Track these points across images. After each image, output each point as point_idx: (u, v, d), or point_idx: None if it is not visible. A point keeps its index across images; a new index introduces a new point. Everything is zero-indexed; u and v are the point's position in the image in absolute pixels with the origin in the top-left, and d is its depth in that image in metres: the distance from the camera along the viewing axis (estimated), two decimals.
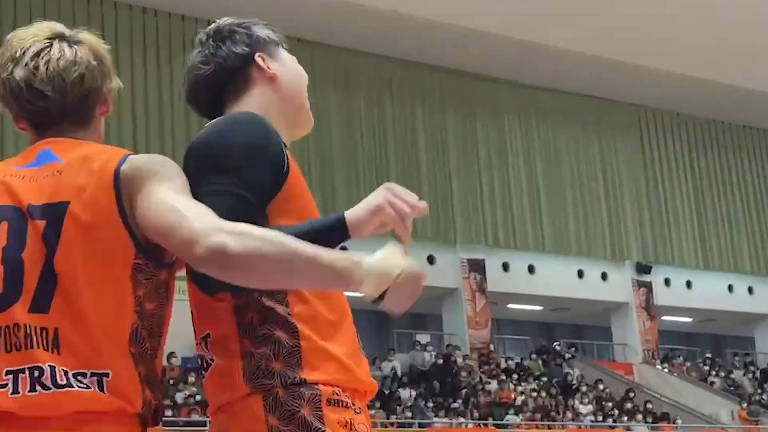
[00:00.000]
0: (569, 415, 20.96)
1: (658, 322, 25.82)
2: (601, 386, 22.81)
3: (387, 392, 19.24)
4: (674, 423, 22.10)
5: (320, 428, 1.94)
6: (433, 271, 21.14)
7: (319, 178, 21.07)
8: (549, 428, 20.31)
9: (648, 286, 25.76)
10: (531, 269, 24.08)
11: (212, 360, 2.04)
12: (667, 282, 26.32)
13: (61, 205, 1.98)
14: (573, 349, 25.72)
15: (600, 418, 21.06)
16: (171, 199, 1.93)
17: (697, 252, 26.33)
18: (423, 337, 23.25)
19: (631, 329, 25.50)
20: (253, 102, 2.19)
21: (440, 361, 21.38)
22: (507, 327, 25.36)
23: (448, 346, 22.28)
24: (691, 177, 26.95)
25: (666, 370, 25.36)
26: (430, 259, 22.43)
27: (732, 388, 25.22)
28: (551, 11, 20.82)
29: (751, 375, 26.30)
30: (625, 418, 21.42)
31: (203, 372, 2.09)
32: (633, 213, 25.65)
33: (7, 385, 1.90)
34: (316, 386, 1.97)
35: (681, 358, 26.89)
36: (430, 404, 19.65)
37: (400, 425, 18.05)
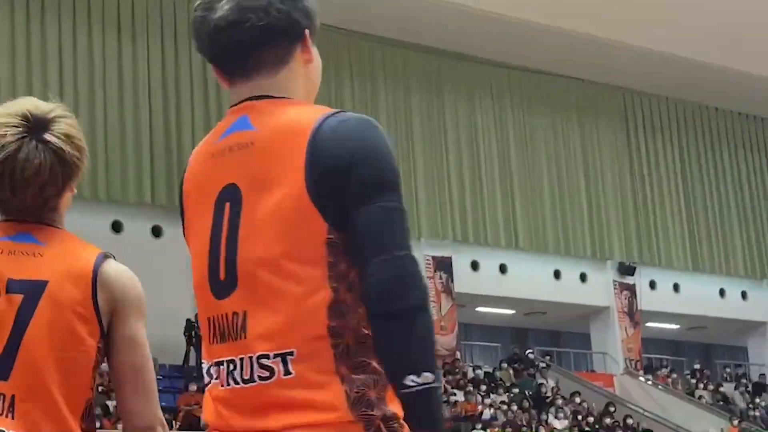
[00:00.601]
0: (543, 430, 20.62)
1: (641, 329, 25.61)
2: (578, 399, 22.36)
3: None
4: None
5: None
6: None
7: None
8: None
9: (631, 289, 25.59)
10: (503, 269, 23.77)
11: (288, 373, 2.01)
12: (652, 285, 26.15)
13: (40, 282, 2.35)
14: (548, 357, 25.55)
15: None
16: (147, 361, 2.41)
17: (686, 252, 26.22)
18: None
19: (612, 336, 25.40)
20: (290, 80, 2.15)
21: None
22: (475, 332, 25.33)
23: None
24: (681, 169, 26.70)
25: (650, 382, 25.14)
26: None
27: (722, 402, 24.95)
28: None
29: (743, 388, 26.03)
30: None
31: (242, 381, 2.05)
32: (616, 208, 25.49)
33: None
34: (401, 420, 2.00)
35: (666, 368, 26.69)
36: None
37: None
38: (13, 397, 2.27)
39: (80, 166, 2.46)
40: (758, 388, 26.12)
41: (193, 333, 19.11)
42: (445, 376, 21.90)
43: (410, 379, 1.93)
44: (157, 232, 20.22)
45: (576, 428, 20.92)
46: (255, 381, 2.01)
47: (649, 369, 26.09)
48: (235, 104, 2.16)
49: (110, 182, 19.24)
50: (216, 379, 2.09)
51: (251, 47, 2.12)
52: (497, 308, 25.24)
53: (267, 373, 2.00)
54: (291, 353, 1.98)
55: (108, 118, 19.40)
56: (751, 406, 25.05)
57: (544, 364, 24.38)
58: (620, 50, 23.53)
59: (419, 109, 23.09)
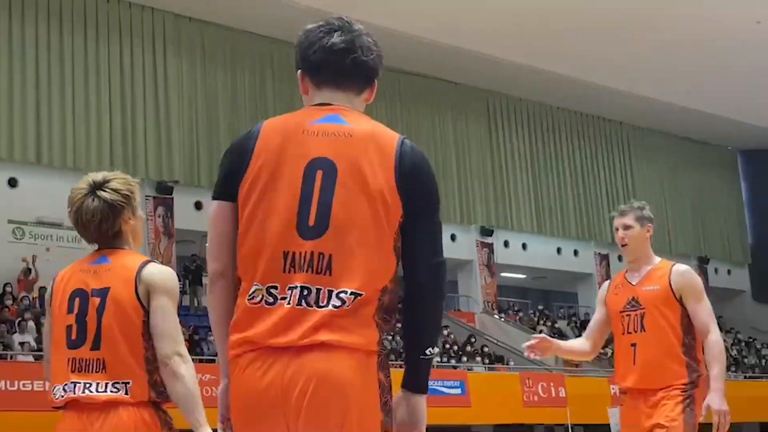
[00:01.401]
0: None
1: (497, 278, 26.98)
2: (446, 332, 23.06)
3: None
4: (507, 364, 22.96)
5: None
6: None
7: (207, 150, 22.03)
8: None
9: (490, 247, 26.99)
10: None
11: (354, 307, 2.40)
12: (506, 244, 27.68)
13: (106, 289, 3.33)
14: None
15: (445, 359, 21.73)
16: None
17: (532, 218, 27.68)
18: None
19: (474, 284, 26.65)
20: (359, 104, 2.62)
21: None
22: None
23: None
24: (530, 154, 28.35)
25: (502, 319, 26.35)
26: None
27: (557, 335, 25.21)
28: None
29: (573, 324, 27.68)
30: (466, 360, 22.17)
31: (322, 306, 2.40)
32: (480, 184, 26.80)
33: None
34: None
35: (515, 309, 28.08)
36: None
37: None
38: (103, 359, 3.32)
39: (125, 206, 3.43)
40: (585, 324, 25.70)
41: None
42: None
43: (429, 350, 2.46)
44: None
45: (445, 355, 21.76)
46: (328, 307, 2.36)
47: (502, 309, 27.12)
48: (321, 104, 2.53)
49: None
50: (286, 301, 2.38)
51: (354, 72, 2.54)
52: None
53: (339, 303, 2.37)
54: (361, 295, 2.39)
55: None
56: (579, 337, 27.88)
57: None
58: (485, 61, 25.06)
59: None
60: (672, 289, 4.88)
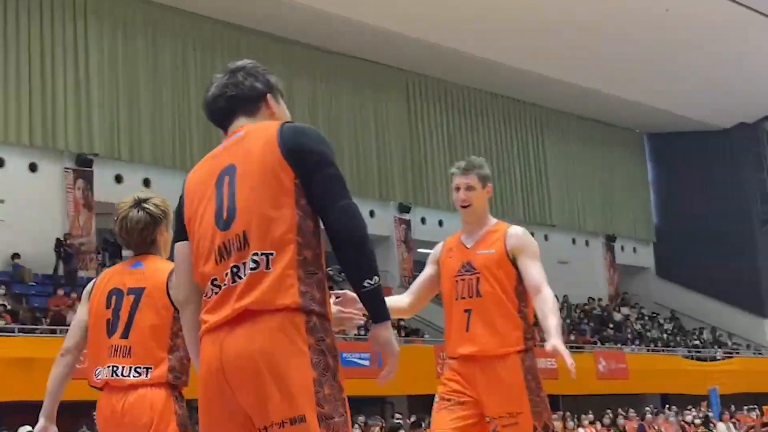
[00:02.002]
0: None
1: (414, 254, 27.10)
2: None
3: None
4: (423, 337, 23.17)
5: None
6: None
7: (127, 123, 21.86)
8: None
9: (407, 223, 27.41)
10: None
11: (268, 267, 2.76)
12: (423, 220, 28.11)
13: (141, 288, 3.94)
14: (342, 274, 26.51)
15: (362, 332, 21.11)
16: None
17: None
18: None
19: (392, 259, 26.89)
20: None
21: None
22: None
23: None
24: (447, 133, 28.64)
25: None
26: None
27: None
28: None
29: None
30: None
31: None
32: (398, 162, 27.11)
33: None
34: (329, 321, 2.89)
35: None
36: None
37: None
38: (129, 347, 3.87)
39: (162, 219, 4.09)
40: None
41: (61, 250, 20.05)
42: None
43: (367, 282, 2.65)
44: (33, 168, 20.87)
45: (362, 329, 20.25)
46: (248, 272, 2.68)
47: None
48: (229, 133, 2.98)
49: None
50: (230, 283, 2.74)
51: (230, 106, 2.98)
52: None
53: (254, 265, 2.67)
54: (272, 254, 2.69)
55: None
56: None
57: (340, 279, 24.23)
58: (405, 42, 25.30)
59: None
60: (507, 251, 4.59)
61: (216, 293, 2.76)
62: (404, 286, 25.92)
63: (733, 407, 24.54)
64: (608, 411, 21.36)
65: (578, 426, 20.12)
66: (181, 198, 2.97)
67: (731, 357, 29.96)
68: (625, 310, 32.30)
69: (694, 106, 32.65)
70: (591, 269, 33.11)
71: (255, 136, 2.85)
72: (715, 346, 31.40)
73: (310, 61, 25.47)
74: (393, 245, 27.26)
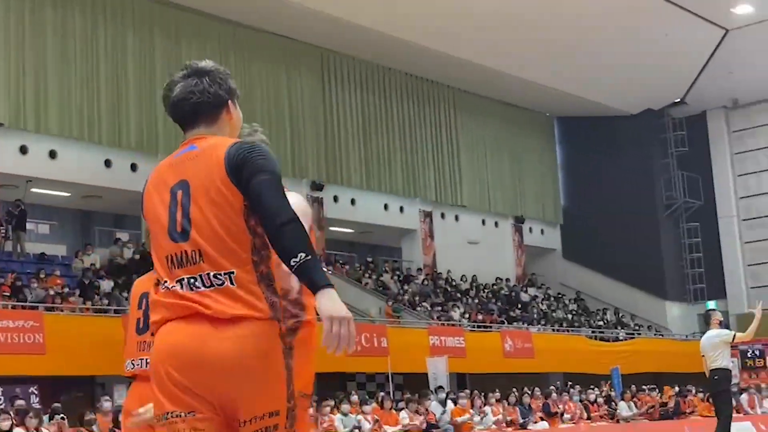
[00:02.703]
0: None
1: (326, 232, 27.22)
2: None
3: (87, 282, 19.83)
4: None
5: None
6: (139, 177, 21.88)
7: (33, 93, 21.33)
8: None
9: (320, 202, 27.13)
10: (133, 167, 23.42)
11: (232, 283, 2.97)
12: (335, 199, 27.93)
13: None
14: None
15: None
16: None
17: (361, 175, 28.05)
18: (123, 235, 23.78)
19: None
20: (219, 130, 3.17)
21: (137, 257, 21.90)
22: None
23: (143, 243, 22.36)
24: (361, 112, 28.59)
25: (330, 272, 25.38)
26: (134, 167, 23.20)
27: (381, 288, 26.82)
28: None
29: (396, 278, 28.15)
30: None
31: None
32: (312, 139, 26.96)
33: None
34: (303, 321, 3.45)
35: (342, 262, 28.09)
36: (125, 294, 19.32)
37: (98, 311, 18.58)
38: (149, 343, 3.55)
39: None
40: (407, 278, 28.51)
41: None
42: None
43: (293, 261, 2.80)
44: None
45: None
46: (208, 288, 2.92)
47: (330, 262, 26.78)
48: (186, 141, 3.13)
49: None
50: (172, 288, 2.96)
51: (195, 112, 3.11)
52: None
53: (219, 283, 2.91)
54: (233, 272, 2.92)
55: None
56: (401, 291, 27.17)
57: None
58: (320, 18, 25.09)
59: (161, 52, 23.39)
60: None
61: (165, 292, 3.03)
62: None
63: (634, 387, 24.98)
64: (514, 389, 21.54)
65: (485, 404, 20.23)
66: (142, 194, 3.21)
67: (633, 338, 30.54)
68: (532, 291, 32.63)
69: (602, 91, 33.10)
70: (500, 250, 33.42)
71: (208, 155, 3.04)
72: (618, 327, 31.97)
73: (223, 34, 25.24)
74: (305, 223, 26.90)
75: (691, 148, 35.77)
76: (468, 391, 20.89)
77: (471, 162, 32.24)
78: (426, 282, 28.89)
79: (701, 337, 13.63)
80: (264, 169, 2.96)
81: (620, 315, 33.77)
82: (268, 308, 2.93)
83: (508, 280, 32.56)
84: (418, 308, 26.37)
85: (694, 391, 25.54)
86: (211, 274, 2.95)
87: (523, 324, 27.79)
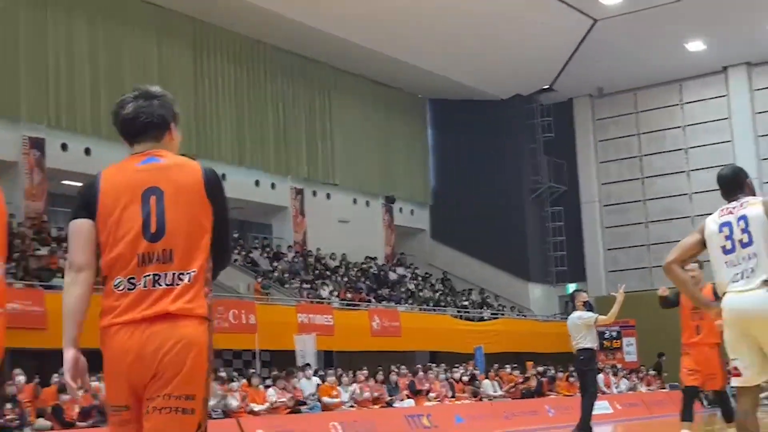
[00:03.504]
0: None
1: None
2: None
3: None
4: None
5: None
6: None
7: None
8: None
9: None
10: (88, 152, 24.17)
11: (190, 281, 3.52)
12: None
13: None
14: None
15: None
16: None
17: (233, 150, 27.79)
18: None
19: None
20: (165, 146, 3.74)
21: None
22: (61, 201, 24.43)
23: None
24: (234, 86, 28.18)
25: None
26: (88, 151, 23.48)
27: (250, 265, 26.57)
28: None
29: (266, 255, 27.96)
30: None
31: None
32: (182, 112, 25.46)
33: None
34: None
35: None
36: None
37: None
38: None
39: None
40: (277, 255, 28.35)
41: None
42: (33, 234, 21.73)
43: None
44: None
45: None
46: (174, 286, 3.44)
47: None
48: (140, 152, 3.62)
49: None
50: (143, 286, 3.42)
51: (145, 130, 3.65)
52: (81, 182, 25.84)
53: (181, 282, 3.44)
54: (195, 272, 3.46)
55: None
56: (271, 268, 26.97)
57: None
58: None
59: (25, 20, 22.81)
60: None
61: (130, 290, 3.46)
62: None
63: (497, 365, 25.47)
64: (381, 367, 21.65)
65: (352, 382, 20.27)
66: (96, 191, 3.54)
67: (497, 318, 31.13)
68: (400, 270, 32.82)
69: (474, 75, 33.50)
70: (370, 229, 33.55)
71: (180, 170, 3.58)
72: (483, 308, 32.50)
73: (91, 2, 24.50)
74: None
75: (557, 134, 36.64)
76: (336, 368, 20.85)
77: (344, 140, 32.18)
78: (296, 259, 28.76)
79: (561, 318, 14.07)
80: (228, 209, 3.68)
81: (485, 295, 34.36)
82: (206, 311, 3.53)
83: (377, 259, 32.64)
84: (287, 286, 26.25)
85: (554, 371, 26.23)
86: (177, 273, 3.48)
87: (390, 303, 27.93)
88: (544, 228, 36.94)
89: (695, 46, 32.93)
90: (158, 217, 3.50)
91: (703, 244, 5.78)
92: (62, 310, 3.51)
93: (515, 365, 26.27)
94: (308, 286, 26.79)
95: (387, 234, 34.51)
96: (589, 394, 13.51)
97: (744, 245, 5.53)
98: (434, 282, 33.93)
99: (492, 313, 31.80)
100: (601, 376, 25.79)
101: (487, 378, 23.92)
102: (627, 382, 28.22)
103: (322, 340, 21.89)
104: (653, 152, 35.94)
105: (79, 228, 3.59)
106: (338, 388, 19.55)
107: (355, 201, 33.44)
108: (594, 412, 13.92)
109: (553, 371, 26.25)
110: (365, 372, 20.90)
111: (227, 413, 17.09)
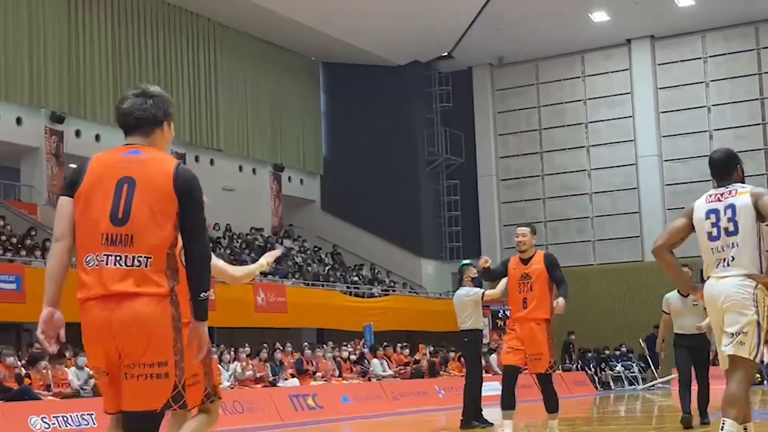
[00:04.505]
0: None
1: (65, 169, 26.17)
2: (2, 223, 22.84)
3: None
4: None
5: None
6: None
7: None
8: None
9: (60, 135, 26.33)
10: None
11: (147, 267, 4.21)
12: (77, 133, 27.09)
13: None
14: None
15: (1, 252, 21.09)
16: None
17: (109, 110, 26.59)
18: None
19: (40, 173, 26.02)
20: (155, 141, 4.41)
21: None
22: None
23: None
24: (112, 41, 27.56)
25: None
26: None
27: None
28: None
29: None
30: (25, 254, 21.56)
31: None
32: (53, 65, 25.66)
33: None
34: (178, 298, 4.29)
35: None
36: None
37: None
38: None
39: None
40: None
41: None
42: None
43: (202, 294, 4.20)
44: None
45: (1, 248, 21.19)
46: (133, 267, 4.12)
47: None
48: (129, 144, 4.31)
49: None
50: (105, 264, 4.10)
51: (137, 124, 4.33)
52: None
53: (139, 264, 4.13)
54: (151, 257, 4.14)
55: None
56: None
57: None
58: None
59: None
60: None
61: (96, 266, 4.15)
62: (52, 203, 25.29)
63: (386, 344, 25.56)
64: (265, 345, 21.49)
65: (234, 359, 20.06)
66: (83, 173, 4.25)
67: (387, 294, 31.27)
68: (288, 243, 32.66)
69: (370, 39, 33.50)
70: (257, 198, 33.37)
71: (155, 165, 4.25)
72: (374, 284, 32.63)
73: None
74: (41, 158, 26.27)
75: (455, 104, 36.96)
76: (217, 345, 20.63)
77: (230, 103, 31.79)
78: None
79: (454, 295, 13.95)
80: (201, 206, 4.28)
81: (376, 271, 34.48)
82: (167, 290, 4.19)
83: (263, 230, 32.45)
84: None
85: (446, 350, 26.48)
86: (136, 256, 4.14)
87: (276, 277, 27.75)
88: (439, 202, 37.26)
89: (599, 16, 33.51)
90: (126, 205, 4.17)
91: (691, 228, 6.06)
92: (45, 274, 4.30)
93: (405, 344, 26.42)
94: None
95: (275, 204, 34.36)
96: (473, 378, 13.33)
97: (729, 234, 5.85)
98: (323, 256, 33.86)
99: (383, 290, 31.96)
100: (494, 356, 26.15)
101: (375, 357, 23.98)
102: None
103: None
104: (553, 126, 36.51)
105: (60, 204, 4.31)
106: (218, 366, 19.32)
107: (240, 168, 33.16)
108: (486, 394, 14.00)
109: (445, 351, 26.49)
110: (247, 350, 20.70)
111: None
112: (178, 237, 4.25)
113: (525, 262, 10.00)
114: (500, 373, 26.43)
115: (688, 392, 11.50)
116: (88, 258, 4.18)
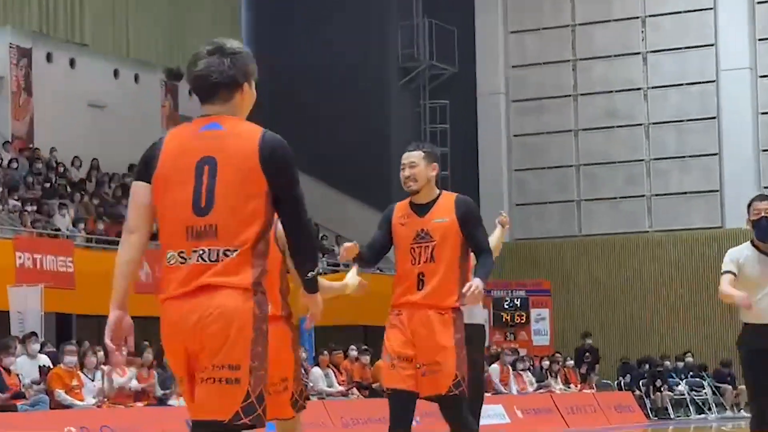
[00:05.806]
0: None
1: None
2: None
3: None
4: None
5: None
6: None
7: None
8: None
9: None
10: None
11: (233, 259, 5.22)
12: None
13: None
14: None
15: None
16: None
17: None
18: None
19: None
20: (234, 108, 5.40)
21: None
22: None
23: None
24: None
25: None
26: None
27: None
28: None
29: None
30: None
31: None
32: None
33: None
34: (265, 295, 5.39)
35: None
36: None
37: None
38: None
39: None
40: None
41: None
42: None
43: (310, 274, 5.47)
44: None
45: None
46: (218, 261, 5.11)
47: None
48: (206, 115, 5.29)
49: None
50: (189, 261, 5.11)
51: (213, 90, 5.29)
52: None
53: (225, 257, 5.11)
54: (237, 250, 5.12)
55: None
56: None
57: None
58: None
59: None
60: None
61: (182, 263, 5.13)
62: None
63: (333, 346, 25.76)
64: (147, 342, 21.68)
65: (103, 364, 20.19)
66: (158, 151, 5.24)
67: (338, 271, 31.36)
68: None
69: None
70: (140, 120, 33.61)
71: (236, 138, 5.20)
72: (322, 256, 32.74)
73: None
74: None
75: None
76: (77, 342, 20.80)
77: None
78: (16, 164, 28.56)
79: None
80: (297, 181, 5.27)
81: (321, 235, 34.61)
82: (251, 282, 5.14)
83: None
84: (1, 207, 26.41)
85: None
86: (222, 250, 5.10)
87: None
88: (419, 131, 37.27)
89: None
90: (208, 191, 5.13)
91: None
92: (114, 271, 5.21)
93: (365, 347, 26.66)
94: (34, 208, 26.75)
95: (168, 128, 34.06)
96: (472, 397, 13.18)
97: None
98: None
99: (331, 264, 32.46)
100: (496, 367, 26.40)
101: (317, 366, 24.22)
102: (531, 375, 28.91)
103: (54, 296, 21.67)
104: (593, 20, 36.55)
105: (135, 190, 5.29)
106: (79, 373, 19.40)
107: (116, 74, 33.55)
108: (484, 423, 14.10)
109: None
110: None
111: None
112: (270, 221, 5.24)
113: (421, 211, 8.49)
114: (503, 392, 26.50)
115: None
116: (169, 256, 5.19)
